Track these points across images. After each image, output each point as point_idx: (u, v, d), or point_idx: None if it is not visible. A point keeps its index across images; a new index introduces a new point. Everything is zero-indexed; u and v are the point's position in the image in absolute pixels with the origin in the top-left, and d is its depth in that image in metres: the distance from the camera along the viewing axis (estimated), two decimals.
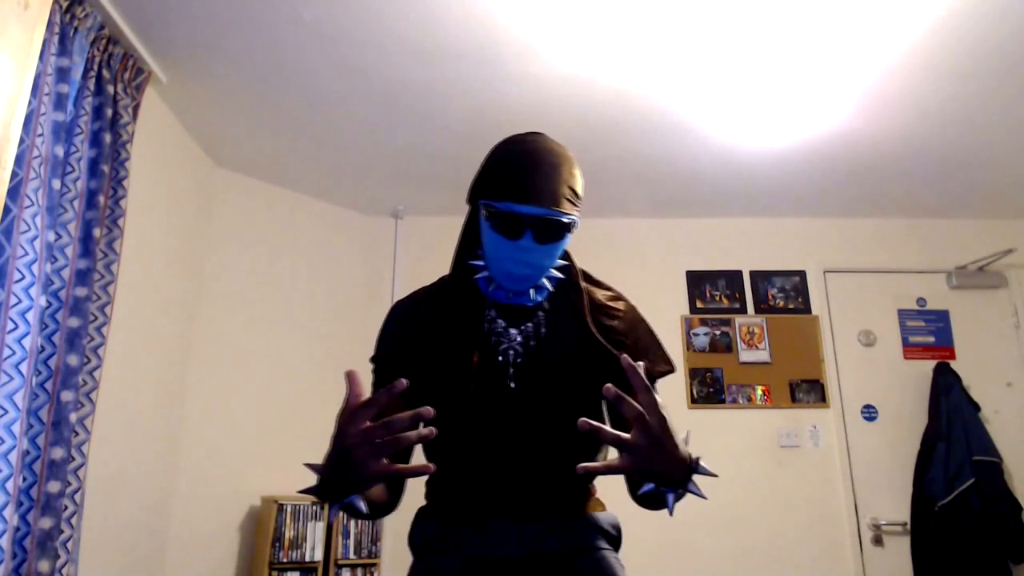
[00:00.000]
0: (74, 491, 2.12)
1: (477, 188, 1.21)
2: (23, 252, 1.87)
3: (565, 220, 1.15)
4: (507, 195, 1.13)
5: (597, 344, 1.22)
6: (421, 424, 0.97)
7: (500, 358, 1.21)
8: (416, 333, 1.26)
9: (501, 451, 1.20)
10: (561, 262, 1.25)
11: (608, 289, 1.33)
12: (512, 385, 1.19)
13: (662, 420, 0.92)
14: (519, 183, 1.13)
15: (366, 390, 0.94)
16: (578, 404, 1.21)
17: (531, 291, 1.23)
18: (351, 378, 0.94)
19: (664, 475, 0.96)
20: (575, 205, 1.17)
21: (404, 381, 0.87)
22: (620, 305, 1.30)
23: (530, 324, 1.23)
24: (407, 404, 1.24)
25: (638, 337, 1.27)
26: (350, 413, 0.92)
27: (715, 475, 0.99)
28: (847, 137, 3.07)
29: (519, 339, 1.22)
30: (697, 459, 0.99)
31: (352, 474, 0.93)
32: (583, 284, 1.28)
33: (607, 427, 0.92)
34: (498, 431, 1.20)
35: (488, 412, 1.20)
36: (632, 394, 0.96)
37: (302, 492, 1.03)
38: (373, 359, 1.31)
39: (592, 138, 3.11)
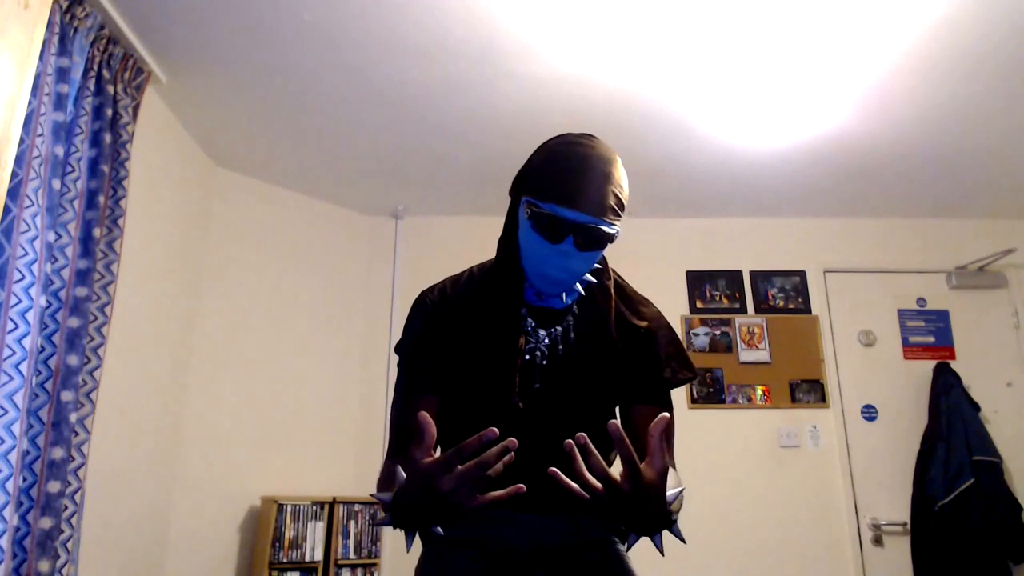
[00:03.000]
0: (74, 491, 2.12)
1: (521, 182, 1.18)
2: (23, 252, 1.87)
3: (608, 230, 1.12)
4: (553, 197, 1.10)
5: (620, 353, 1.23)
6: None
7: (527, 357, 1.21)
8: (449, 327, 1.24)
9: (521, 447, 1.21)
10: (595, 265, 1.25)
11: (636, 295, 1.32)
12: (538, 386, 1.20)
13: (655, 480, 0.90)
14: (567, 186, 1.10)
15: (435, 431, 0.91)
16: (597, 407, 1.25)
17: (562, 294, 1.23)
18: (424, 423, 0.90)
19: (633, 522, 0.94)
20: (619, 215, 1.14)
21: (495, 430, 0.85)
22: (646, 311, 1.29)
23: (559, 328, 1.23)
24: (439, 399, 1.24)
25: (661, 345, 1.26)
26: (443, 462, 0.88)
27: (684, 541, 0.99)
28: (847, 137, 3.07)
29: (546, 341, 1.22)
30: (675, 520, 0.98)
31: (449, 513, 0.91)
32: (613, 291, 1.27)
33: (598, 457, 0.90)
34: (520, 428, 1.21)
35: (517, 408, 1.20)
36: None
37: (375, 524, 1.04)
38: (400, 348, 1.29)
39: None
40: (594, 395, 1.24)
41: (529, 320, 1.23)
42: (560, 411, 1.22)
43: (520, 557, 1.20)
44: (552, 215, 1.10)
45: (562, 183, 1.10)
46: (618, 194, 1.13)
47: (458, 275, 1.32)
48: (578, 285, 1.23)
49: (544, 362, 1.21)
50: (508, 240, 1.23)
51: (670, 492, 0.95)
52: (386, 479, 1.11)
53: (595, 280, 1.26)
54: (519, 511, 1.21)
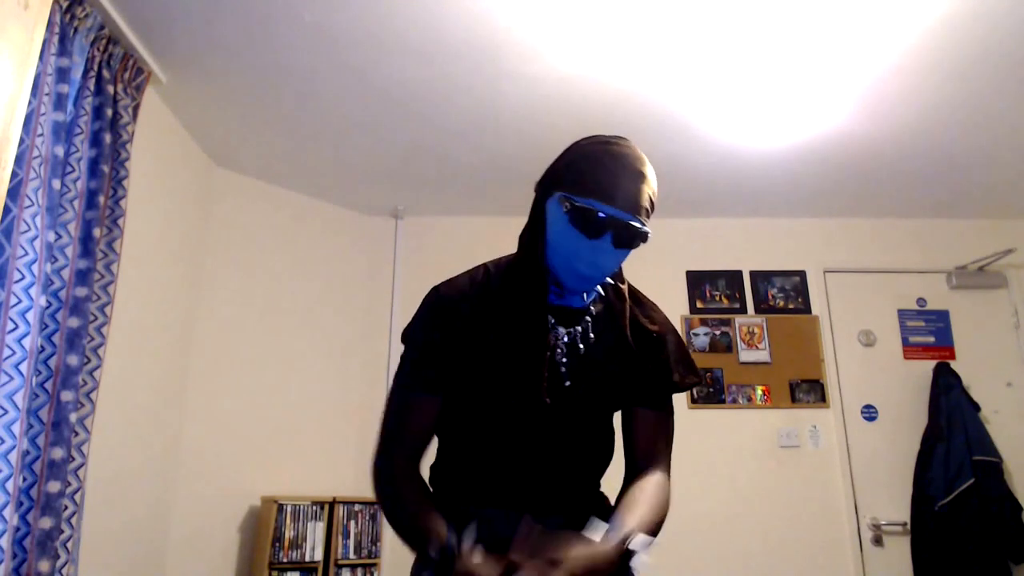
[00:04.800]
0: (74, 491, 2.12)
1: (556, 178, 1.18)
2: (23, 252, 1.87)
3: (644, 231, 1.14)
4: (594, 193, 1.11)
5: (634, 355, 1.24)
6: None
7: (549, 354, 1.21)
8: (466, 326, 1.21)
9: (529, 448, 1.22)
10: None
11: (646, 299, 1.34)
12: (568, 383, 1.21)
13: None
14: (608, 183, 1.12)
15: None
16: (607, 408, 1.27)
17: (584, 293, 1.23)
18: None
19: None
20: (649, 217, 1.17)
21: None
22: (656, 316, 1.31)
23: (579, 328, 1.24)
24: (440, 400, 1.23)
25: (671, 350, 1.29)
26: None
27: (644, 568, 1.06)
28: (847, 137, 3.07)
29: (566, 339, 1.22)
30: (632, 552, 1.04)
31: None
32: (627, 295, 1.29)
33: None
34: (539, 426, 1.21)
35: (533, 407, 1.20)
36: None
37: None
38: (408, 339, 1.25)
39: None
40: (609, 395, 1.25)
41: (550, 318, 1.23)
42: (578, 410, 1.22)
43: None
44: (593, 210, 1.11)
45: (603, 180, 1.12)
46: (652, 196, 1.16)
47: (474, 271, 1.29)
48: (597, 285, 1.24)
49: (565, 359, 1.21)
50: (533, 236, 1.22)
51: (605, 536, 1.04)
52: (415, 532, 1.13)
53: (612, 282, 1.27)
54: (522, 510, 1.21)
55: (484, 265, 1.30)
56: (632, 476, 1.24)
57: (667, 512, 1.19)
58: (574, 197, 1.13)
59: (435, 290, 1.27)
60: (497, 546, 1.20)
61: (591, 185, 1.12)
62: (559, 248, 1.16)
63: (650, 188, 1.15)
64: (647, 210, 1.15)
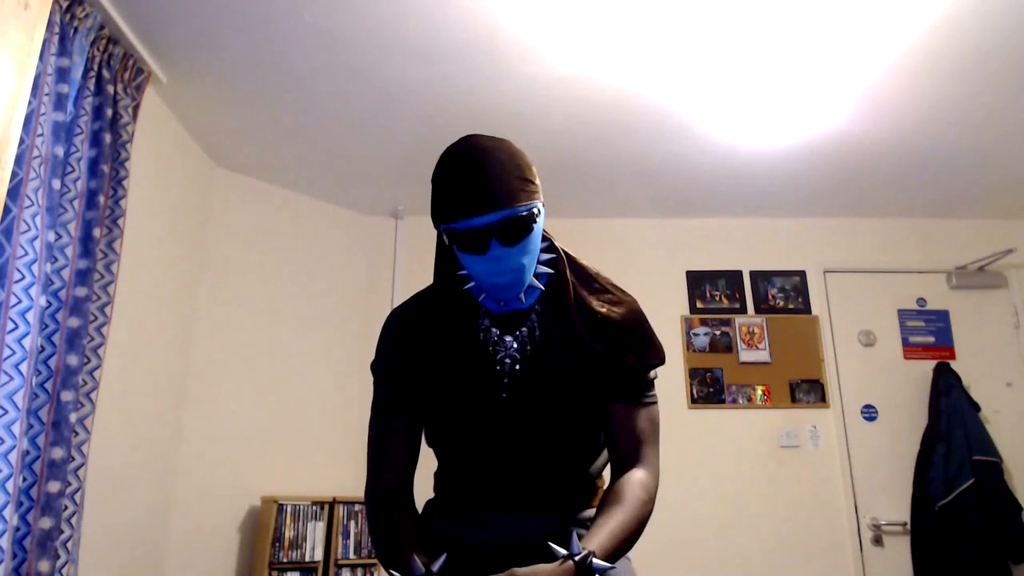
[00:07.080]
0: (74, 491, 2.12)
1: (433, 214, 1.17)
2: (23, 252, 1.87)
3: (524, 213, 1.10)
4: (458, 213, 1.09)
5: (586, 343, 1.20)
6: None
7: (497, 367, 1.20)
8: (416, 344, 1.25)
9: (503, 455, 1.22)
10: (547, 255, 1.22)
11: (597, 279, 1.28)
12: (504, 396, 1.19)
13: None
14: (463, 197, 1.08)
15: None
16: (575, 405, 1.22)
17: (522, 296, 1.20)
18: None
19: None
20: (531, 192, 1.12)
21: None
22: (610, 297, 1.25)
23: (524, 330, 1.22)
24: (415, 416, 1.25)
25: (627, 330, 1.22)
26: None
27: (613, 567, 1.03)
28: (847, 137, 3.07)
29: (515, 346, 1.21)
30: (591, 563, 1.00)
31: None
32: (571, 280, 1.23)
33: None
34: (499, 437, 1.21)
35: (489, 419, 1.21)
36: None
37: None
38: (374, 368, 1.31)
39: (592, 138, 3.11)
40: (571, 389, 1.21)
41: (494, 330, 1.22)
42: (539, 412, 1.20)
43: (500, 556, 1.19)
44: (465, 231, 1.09)
45: (450, 197, 1.10)
46: (517, 174, 1.11)
47: (427, 288, 1.31)
48: (535, 280, 1.21)
49: (518, 367, 1.20)
50: (445, 265, 1.24)
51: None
52: (391, 550, 1.13)
53: (552, 271, 1.23)
54: (502, 512, 1.22)
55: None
56: (615, 476, 1.21)
57: (649, 511, 1.15)
58: (449, 225, 1.12)
59: (390, 315, 1.32)
60: (478, 548, 1.21)
61: (447, 208, 1.10)
62: (471, 272, 1.16)
63: (511, 168, 1.10)
64: (520, 189, 1.10)
